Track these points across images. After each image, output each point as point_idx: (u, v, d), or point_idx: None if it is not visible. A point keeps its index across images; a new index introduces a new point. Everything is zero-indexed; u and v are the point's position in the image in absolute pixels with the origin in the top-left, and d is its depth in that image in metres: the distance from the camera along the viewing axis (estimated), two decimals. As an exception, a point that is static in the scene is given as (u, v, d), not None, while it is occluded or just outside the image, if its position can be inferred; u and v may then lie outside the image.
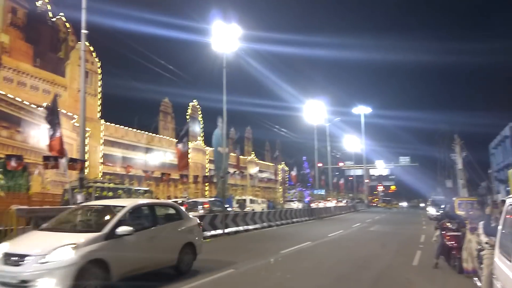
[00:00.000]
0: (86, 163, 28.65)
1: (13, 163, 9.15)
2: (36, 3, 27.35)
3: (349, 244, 14.69)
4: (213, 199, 24.62)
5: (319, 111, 41.06)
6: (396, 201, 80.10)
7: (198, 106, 43.34)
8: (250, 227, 20.00)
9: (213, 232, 16.48)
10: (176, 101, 41.68)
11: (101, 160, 31.34)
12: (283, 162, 65.10)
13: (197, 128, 43.07)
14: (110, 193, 18.35)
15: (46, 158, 10.99)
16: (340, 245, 14.39)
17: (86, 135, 29.68)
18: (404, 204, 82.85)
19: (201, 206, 21.36)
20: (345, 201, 59.40)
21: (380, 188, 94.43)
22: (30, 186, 24.23)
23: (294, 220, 26.81)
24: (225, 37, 19.91)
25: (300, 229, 21.15)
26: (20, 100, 24.29)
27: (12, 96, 23.82)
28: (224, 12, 21.47)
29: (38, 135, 24.70)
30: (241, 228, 18.97)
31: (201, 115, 43.88)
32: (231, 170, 33.86)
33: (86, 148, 29.74)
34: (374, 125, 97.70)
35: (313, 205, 42.46)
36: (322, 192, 60.20)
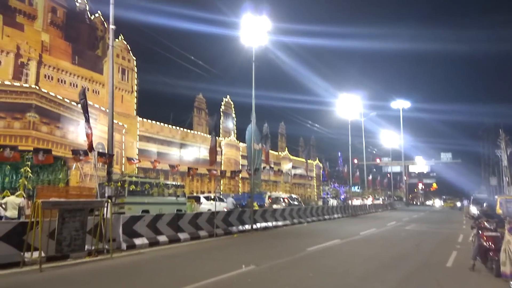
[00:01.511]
0: (120, 158, 29.56)
1: (40, 157, 9.41)
2: (75, 2, 28.34)
3: (381, 243, 14.13)
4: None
5: (354, 106, 39.98)
6: (452, 199, 76.08)
7: (231, 102, 43.47)
8: (280, 223, 19.79)
9: (241, 228, 16.41)
10: (210, 96, 42.04)
11: (137, 155, 32.09)
12: (317, 158, 64.21)
13: (230, 124, 43.24)
14: (138, 188, 18.66)
15: (74, 152, 11.28)
16: (370, 243, 13.86)
17: (123, 131, 30.58)
18: (438, 202, 78.70)
19: (282, 200, 30.65)
20: (382, 199, 57.82)
21: (420, 185, 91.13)
22: (69, 180, 25.36)
23: (326, 217, 26.32)
24: (255, 31, 19.66)
25: (331, 226, 20.68)
26: (59, 97, 25.27)
27: (52, 93, 24.81)
28: (253, 5, 21.15)
29: (76, 130, 25.64)
30: (270, 224, 18.80)
31: (234, 110, 44.01)
32: (264, 166, 33.65)
33: (123, 144, 30.65)
34: (414, 119, 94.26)
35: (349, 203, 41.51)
36: (359, 189, 58.93)
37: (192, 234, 13.68)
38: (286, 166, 52.07)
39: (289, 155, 55.21)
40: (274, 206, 26.11)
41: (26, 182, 9.80)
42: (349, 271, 8.63)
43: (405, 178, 74.60)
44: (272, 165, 44.76)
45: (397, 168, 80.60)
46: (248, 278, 7.80)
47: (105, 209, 10.41)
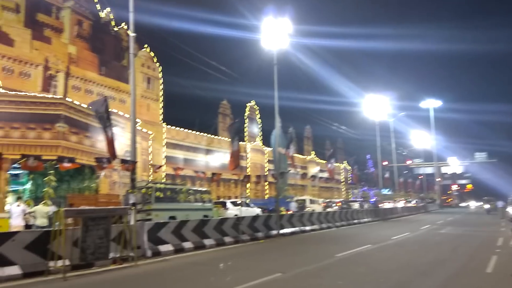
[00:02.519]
0: (148, 165, 29.86)
1: (65, 164, 9.48)
2: (100, 14, 29.01)
3: (414, 248, 13.47)
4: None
5: (382, 106, 38.95)
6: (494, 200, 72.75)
7: (256, 106, 43.34)
8: (307, 228, 19.32)
9: (267, 233, 16.08)
10: (234, 101, 42.04)
11: (164, 162, 32.37)
12: (345, 161, 63.07)
13: (255, 128, 43.08)
14: (168, 193, 18.70)
15: (98, 160, 11.32)
16: (403, 249, 13.23)
17: (150, 138, 30.95)
18: (473, 203, 75.02)
19: (335, 204, 35.69)
20: (414, 201, 56.02)
21: (455, 187, 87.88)
22: (99, 188, 25.81)
23: (356, 221, 25.58)
24: (276, 33, 19.41)
25: (361, 231, 20.01)
26: (87, 107, 25.80)
27: (80, 104, 25.37)
28: (274, 7, 20.91)
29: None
30: (297, 229, 18.37)
31: (259, 114, 43.83)
32: (289, 170, 33.28)
33: (150, 151, 31.01)
34: (446, 119, 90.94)
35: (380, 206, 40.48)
36: (389, 192, 57.36)
37: (218, 240, 13.47)
38: (313, 170, 51.36)
39: (316, 158, 54.46)
40: (328, 210, 28.67)
41: (50, 191, 9.83)
42: (381, 279, 8.15)
43: (438, 179, 72.12)
44: (299, 169, 44.24)
45: (429, 170, 78.02)
46: (273, 286, 7.48)
47: (130, 216, 10.36)
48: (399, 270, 9.08)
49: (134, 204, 11.92)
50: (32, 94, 23.35)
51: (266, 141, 43.53)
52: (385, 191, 57.25)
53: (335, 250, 12.08)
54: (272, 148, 42.54)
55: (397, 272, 8.87)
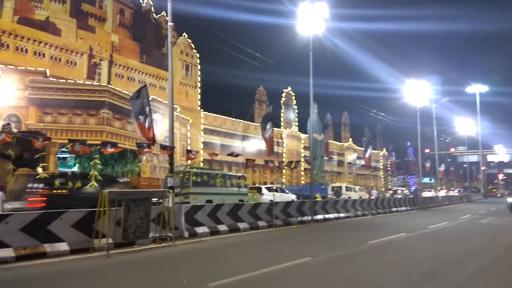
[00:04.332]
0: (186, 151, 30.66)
1: (109, 149, 10.09)
2: (141, 2, 29.81)
3: (451, 237, 13.19)
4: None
5: (423, 92, 37.60)
6: None
7: (292, 93, 43.16)
8: (342, 215, 19.32)
9: (300, 219, 16.28)
10: (270, 87, 42.08)
11: (202, 148, 33.17)
12: (384, 148, 61.66)
13: (291, 114, 43.01)
14: (204, 178, 19.25)
15: (139, 145, 11.92)
16: (439, 238, 13.00)
17: (188, 124, 31.77)
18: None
19: (401, 191, 36.36)
20: (457, 191, 54.12)
21: (501, 176, 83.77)
22: (141, 171, 26.95)
23: (393, 209, 25.21)
24: (312, 18, 19.20)
25: (397, 219, 19.75)
26: (130, 94, 26.84)
27: (123, 91, 26.42)
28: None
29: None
30: (331, 215, 18.44)
31: (296, 101, 43.66)
32: (323, 156, 33.13)
33: (188, 137, 31.85)
34: (493, 104, 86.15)
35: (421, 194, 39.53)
36: (431, 180, 55.66)
37: (251, 224, 13.85)
38: (350, 157, 50.71)
39: (354, 145, 53.66)
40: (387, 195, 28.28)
41: (96, 173, 10.51)
42: (411, 266, 8.15)
43: (483, 168, 69.00)
44: (335, 156, 43.86)
45: (473, 158, 74.80)
46: (303, 269, 7.69)
47: (168, 198, 10.89)
48: (432, 259, 9.01)
49: (172, 188, 12.45)
50: (78, 81, 24.60)
51: (303, 128, 43.40)
52: (426, 180, 55.62)
53: (368, 237, 12.09)
54: (308, 135, 42.42)
55: (429, 260, 8.81)
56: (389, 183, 61.27)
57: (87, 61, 26.00)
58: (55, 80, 23.66)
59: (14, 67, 22.39)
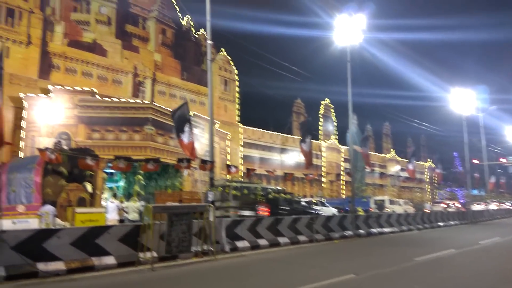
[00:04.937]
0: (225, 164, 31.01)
1: (149, 166, 10.45)
2: (181, 21, 30.94)
3: (503, 253, 12.45)
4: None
5: (469, 100, 36.00)
6: None
7: (331, 104, 42.77)
8: (386, 230, 18.72)
9: (342, 234, 15.96)
10: (308, 99, 41.99)
11: (241, 161, 33.48)
12: (429, 160, 59.35)
13: (330, 126, 42.55)
14: (243, 192, 19.41)
15: (179, 160, 12.26)
16: (490, 254, 12.29)
17: (227, 138, 32.26)
18: None
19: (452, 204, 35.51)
20: (509, 203, 50.95)
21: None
22: (183, 186, 27.56)
23: (441, 224, 24.12)
24: (349, 29, 19.09)
25: (445, 235, 18.86)
26: (172, 110, 27.72)
27: (165, 107, 27.33)
28: (347, 2, 20.57)
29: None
30: (374, 230, 17.91)
31: (334, 112, 43.22)
32: (365, 168, 32.39)
33: (228, 150, 32.31)
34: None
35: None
36: (480, 192, 52.81)
37: (292, 239, 13.74)
38: (393, 169, 49.23)
39: (396, 156, 52.11)
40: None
41: (138, 189, 10.91)
42: (460, 285, 7.76)
43: (539, 179, 64.53)
44: (377, 168, 42.77)
45: (528, 168, 70.07)
46: (346, 287, 7.53)
47: (209, 213, 11.07)
48: (482, 277, 8.53)
49: (212, 202, 12.65)
50: (124, 99, 25.73)
51: (342, 139, 42.77)
52: (475, 192, 52.81)
53: (414, 253, 11.64)
54: (348, 146, 41.73)
55: (479, 278, 8.36)
56: (436, 196, 58.73)
57: (132, 79, 27.20)
58: (102, 98, 24.89)
59: (64, 87, 23.79)
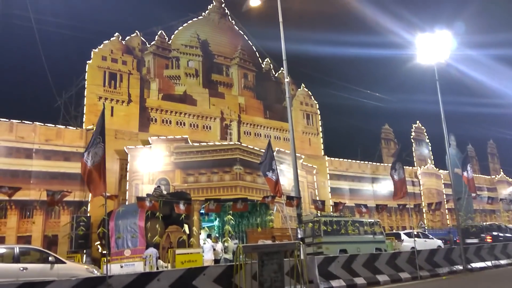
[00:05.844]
0: (314, 198, 30.55)
1: (238, 206, 10.77)
2: (261, 64, 32.30)
3: None
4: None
5: None
6: None
7: (423, 127, 40.20)
8: (503, 262, 16.52)
9: (449, 269, 14.46)
10: (397, 124, 39.99)
11: (330, 195, 32.69)
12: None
13: (425, 150, 39.78)
14: (334, 227, 18.83)
15: (265, 197, 12.44)
16: None
17: (314, 172, 31.94)
18: None
19: None
20: None
21: None
22: (273, 222, 27.69)
23: None
24: (434, 47, 18.15)
25: None
26: (257, 148, 28.52)
27: (251, 146, 28.24)
28: (430, 20, 19.68)
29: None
30: (488, 263, 15.93)
31: (427, 135, 40.45)
32: (470, 194, 29.33)
33: (315, 184, 31.89)
34: None
35: None
36: None
37: (392, 276, 12.79)
38: (505, 192, 43.84)
39: (507, 177, 46.47)
40: None
41: (230, 229, 11.24)
42: None
43: None
44: (485, 192, 38.52)
45: None
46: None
47: (299, 250, 10.90)
48: None
49: (302, 239, 12.47)
50: (213, 143, 27.24)
51: (440, 163, 39.57)
52: None
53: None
54: (447, 171, 38.39)
55: None
56: None
57: (219, 124, 28.80)
58: (194, 144, 26.62)
59: (161, 137, 25.99)
